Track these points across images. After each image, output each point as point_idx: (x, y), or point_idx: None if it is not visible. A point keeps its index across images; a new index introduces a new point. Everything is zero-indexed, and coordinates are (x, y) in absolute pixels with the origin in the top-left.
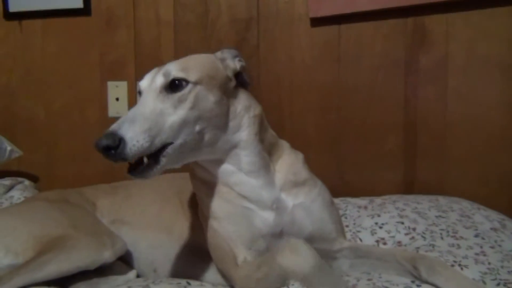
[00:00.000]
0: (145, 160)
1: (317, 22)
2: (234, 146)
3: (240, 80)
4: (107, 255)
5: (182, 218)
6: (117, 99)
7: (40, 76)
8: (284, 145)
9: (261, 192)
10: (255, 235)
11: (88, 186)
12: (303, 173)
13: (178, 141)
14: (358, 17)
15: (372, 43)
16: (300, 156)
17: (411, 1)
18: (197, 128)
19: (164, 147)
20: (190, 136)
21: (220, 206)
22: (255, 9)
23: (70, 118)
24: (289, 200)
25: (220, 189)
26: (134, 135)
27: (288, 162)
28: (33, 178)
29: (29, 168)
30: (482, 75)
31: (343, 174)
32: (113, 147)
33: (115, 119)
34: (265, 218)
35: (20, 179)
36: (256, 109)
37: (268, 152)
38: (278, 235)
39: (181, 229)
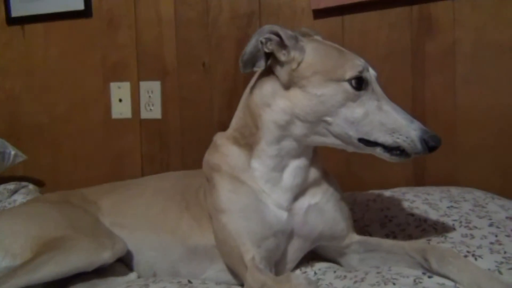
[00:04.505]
0: None
1: (319, 14)
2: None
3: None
4: (106, 256)
5: (187, 218)
6: (120, 100)
7: (43, 80)
8: None
9: (285, 194)
10: (266, 232)
11: (89, 187)
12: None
13: None
14: (361, 7)
15: (377, 33)
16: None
17: None
18: None
19: None
20: None
21: (232, 199)
22: (256, 4)
23: (73, 121)
24: (305, 201)
25: (240, 180)
26: None
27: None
28: (39, 183)
29: (34, 172)
30: (492, 62)
31: (350, 167)
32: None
33: (119, 120)
34: (279, 215)
35: (24, 183)
36: None
37: None
38: (288, 234)
39: (186, 229)
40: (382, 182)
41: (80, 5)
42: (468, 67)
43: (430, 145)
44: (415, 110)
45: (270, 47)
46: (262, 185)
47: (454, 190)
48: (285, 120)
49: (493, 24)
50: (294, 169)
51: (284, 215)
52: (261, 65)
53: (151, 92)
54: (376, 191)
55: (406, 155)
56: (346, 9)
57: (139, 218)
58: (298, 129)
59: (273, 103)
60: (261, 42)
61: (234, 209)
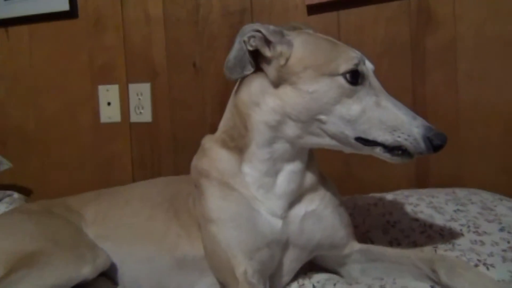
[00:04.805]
0: None
1: (314, 9)
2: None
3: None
4: (87, 271)
5: (175, 226)
6: (108, 103)
7: (29, 84)
8: None
9: (279, 200)
10: (259, 242)
11: (74, 195)
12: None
13: None
14: (357, 1)
15: (374, 28)
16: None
17: None
18: None
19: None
20: None
21: (221, 207)
22: (248, 0)
23: (61, 126)
24: (302, 207)
25: (230, 186)
26: None
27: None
28: (26, 191)
29: (21, 180)
30: (494, 56)
31: (350, 169)
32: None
33: (108, 124)
34: (273, 224)
35: (9, 192)
36: None
37: None
38: (284, 244)
39: (173, 238)
40: (383, 183)
41: (65, 6)
42: (470, 62)
43: (435, 143)
44: (416, 108)
45: (253, 44)
46: (254, 192)
47: (460, 192)
48: (276, 120)
49: (495, 17)
50: (288, 173)
51: (278, 223)
52: (249, 69)
53: (141, 95)
54: (377, 195)
55: (408, 155)
56: (341, 3)
57: (124, 228)
58: (291, 129)
59: (262, 102)
60: (244, 42)
61: (224, 218)
